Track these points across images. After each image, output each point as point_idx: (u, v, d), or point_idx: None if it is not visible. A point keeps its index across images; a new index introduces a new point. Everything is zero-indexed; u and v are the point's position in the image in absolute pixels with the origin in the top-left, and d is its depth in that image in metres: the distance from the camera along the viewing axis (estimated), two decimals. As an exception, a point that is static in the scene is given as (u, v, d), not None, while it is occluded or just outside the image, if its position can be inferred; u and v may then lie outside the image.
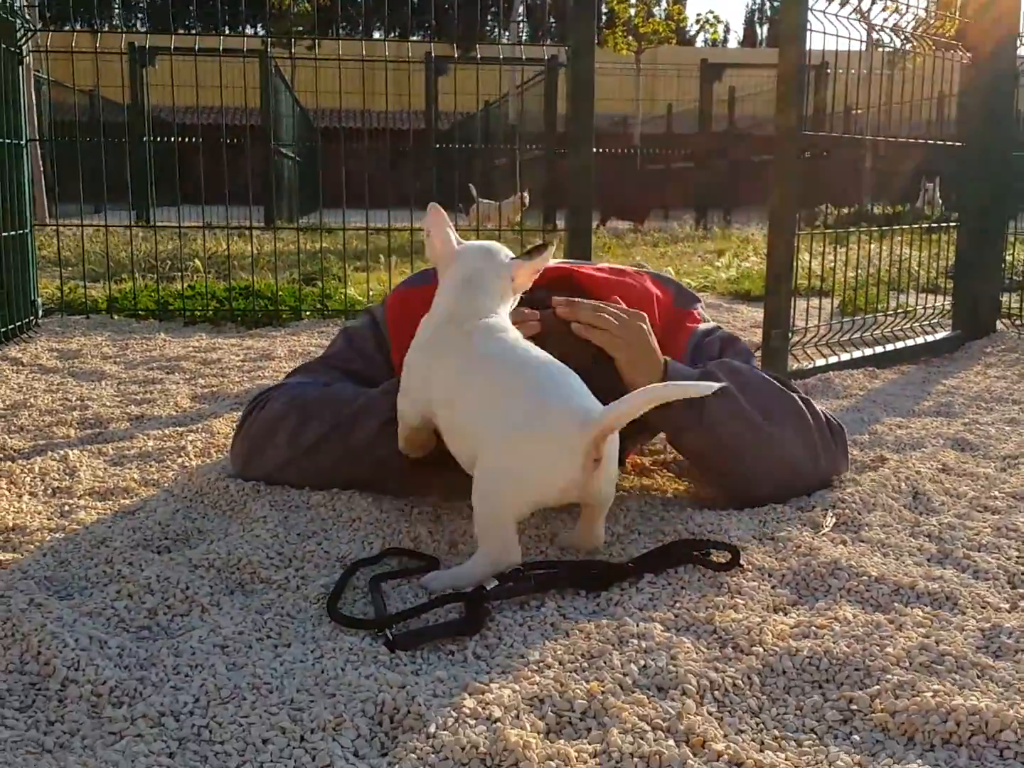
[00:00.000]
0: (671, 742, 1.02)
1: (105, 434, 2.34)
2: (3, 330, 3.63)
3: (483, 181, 13.13)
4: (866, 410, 2.83)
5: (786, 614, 1.36)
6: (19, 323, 3.71)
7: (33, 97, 8.72)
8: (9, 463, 2.05)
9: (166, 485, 1.94)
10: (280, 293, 4.25)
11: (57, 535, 1.63)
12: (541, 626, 1.30)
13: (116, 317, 4.12)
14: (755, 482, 1.80)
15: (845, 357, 3.59)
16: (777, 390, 1.82)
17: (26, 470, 1.99)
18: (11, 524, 1.68)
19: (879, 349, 3.72)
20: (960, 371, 3.52)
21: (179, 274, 5.17)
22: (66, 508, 1.78)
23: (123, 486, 1.93)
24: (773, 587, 1.44)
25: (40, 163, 11.05)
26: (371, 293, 4.58)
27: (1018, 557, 1.58)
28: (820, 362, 3.47)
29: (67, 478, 1.97)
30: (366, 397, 1.80)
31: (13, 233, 3.70)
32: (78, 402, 2.68)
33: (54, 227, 5.05)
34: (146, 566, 1.48)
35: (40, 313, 3.91)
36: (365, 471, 1.80)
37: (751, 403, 1.76)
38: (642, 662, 1.18)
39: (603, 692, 1.11)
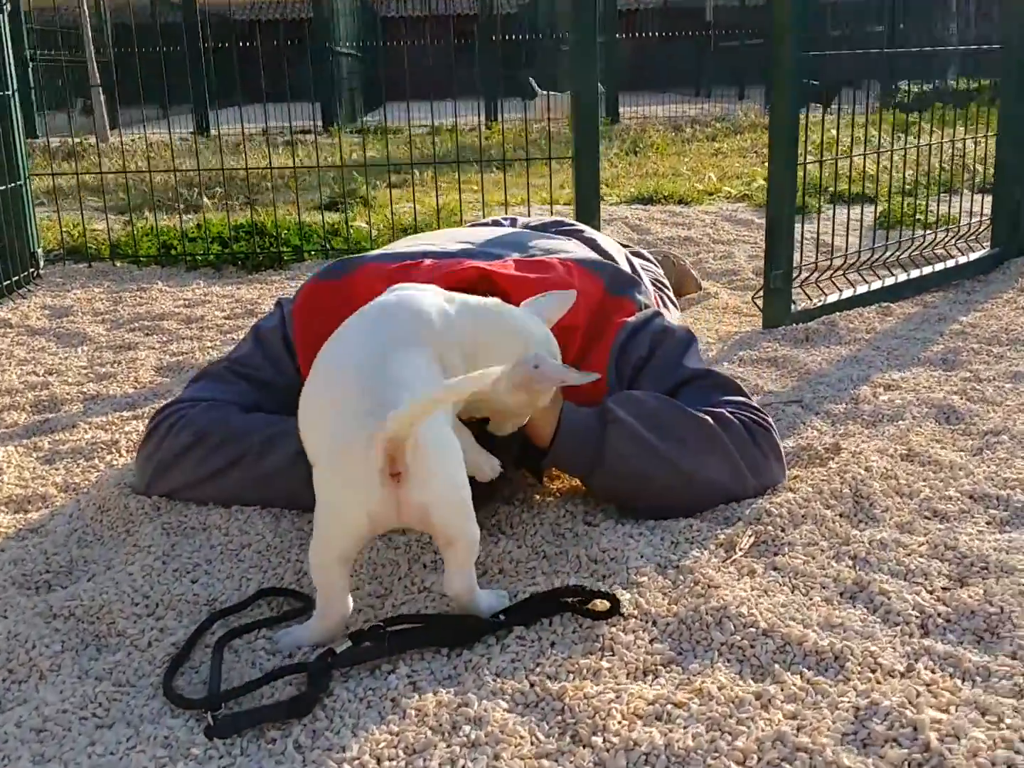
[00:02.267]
0: None
1: (52, 421, 2.30)
2: (5, 283, 3.63)
3: (545, 72, 12.72)
4: (864, 362, 2.66)
5: (651, 682, 1.25)
6: (16, 278, 3.68)
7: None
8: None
9: (83, 491, 1.89)
10: (284, 231, 4.14)
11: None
12: (382, 701, 1.22)
13: (119, 264, 4.07)
14: (683, 513, 1.69)
15: (862, 289, 3.37)
16: (686, 416, 1.70)
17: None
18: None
19: (901, 277, 3.49)
20: (986, 301, 3.29)
21: (201, 203, 5.10)
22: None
23: (42, 492, 1.89)
24: (652, 640, 1.34)
25: (98, 76, 11.05)
26: (393, 219, 4.43)
27: (943, 589, 1.45)
28: (832, 297, 3.27)
29: (-11, 483, 1.94)
30: (276, 428, 1.71)
31: (5, 188, 3.65)
32: (43, 377, 2.65)
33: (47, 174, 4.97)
34: (8, 613, 1.44)
35: (41, 264, 3.88)
36: (276, 498, 1.73)
37: (659, 435, 1.66)
38: (461, 763, 1.10)
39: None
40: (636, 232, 4.67)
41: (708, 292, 3.62)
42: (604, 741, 1.13)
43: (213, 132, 10.96)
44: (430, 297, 1.44)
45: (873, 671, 1.25)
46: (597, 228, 3.83)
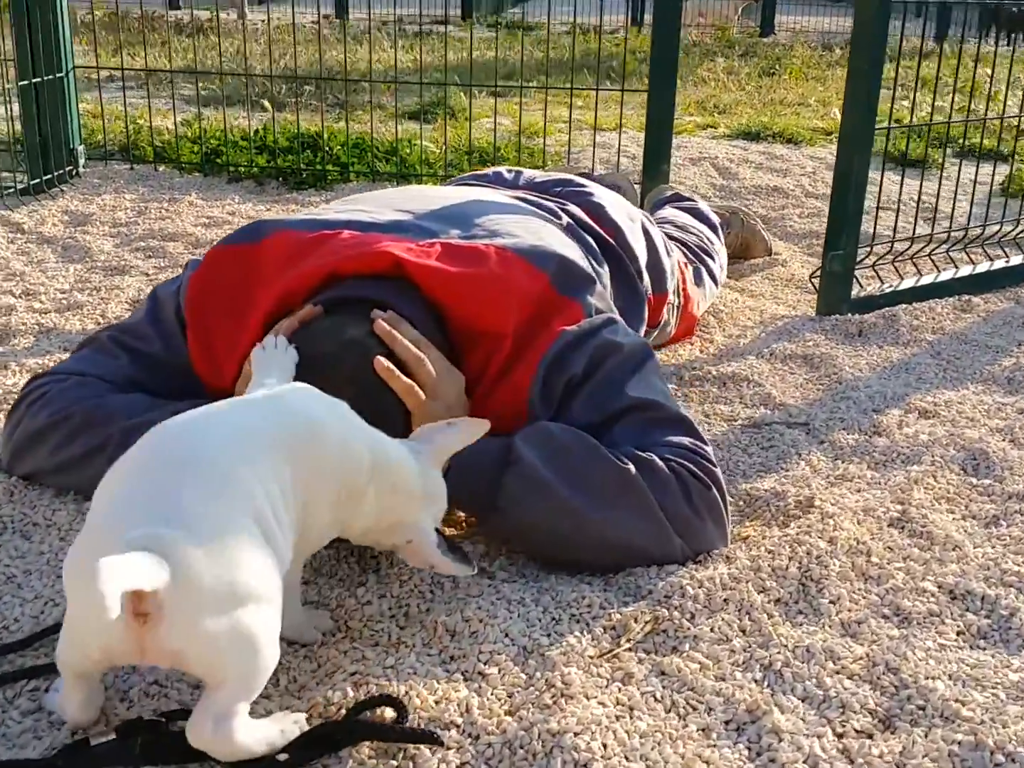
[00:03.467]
0: None
1: (-8, 356, 2.15)
2: (35, 182, 3.51)
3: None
4: (912, 372, 2.30)
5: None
6: (49, 176, 3.56)
7: None
8: None
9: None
10: (336, 145, 3.89)
11: None
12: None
13: (161, 168, 3.91)
14: (590, 570, 1.43)
15: (946, 275, 2.96)
16: (602, 461, 1.42)
17: None
18: None
19: (998, 264, 3.05)
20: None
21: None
22: None
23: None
24: (460, 765, 1.09)
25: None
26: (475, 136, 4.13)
27: (856, 733, 1.16)
28: (907, 283, 2.86)
29: None
30: (143, 416, 1.48)
31: (48, 78, 3.51)
32: (16, 299, 2.51)
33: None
34: None
35: (81, 163, 3.74)
36: None
37: (565, 481, 1.39)
38: None
39: None
40: (722, 176, 4.26)
41: (777, 258, 3.25)
42: None
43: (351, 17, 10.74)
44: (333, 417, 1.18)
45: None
46: (666, 169, 3.49)
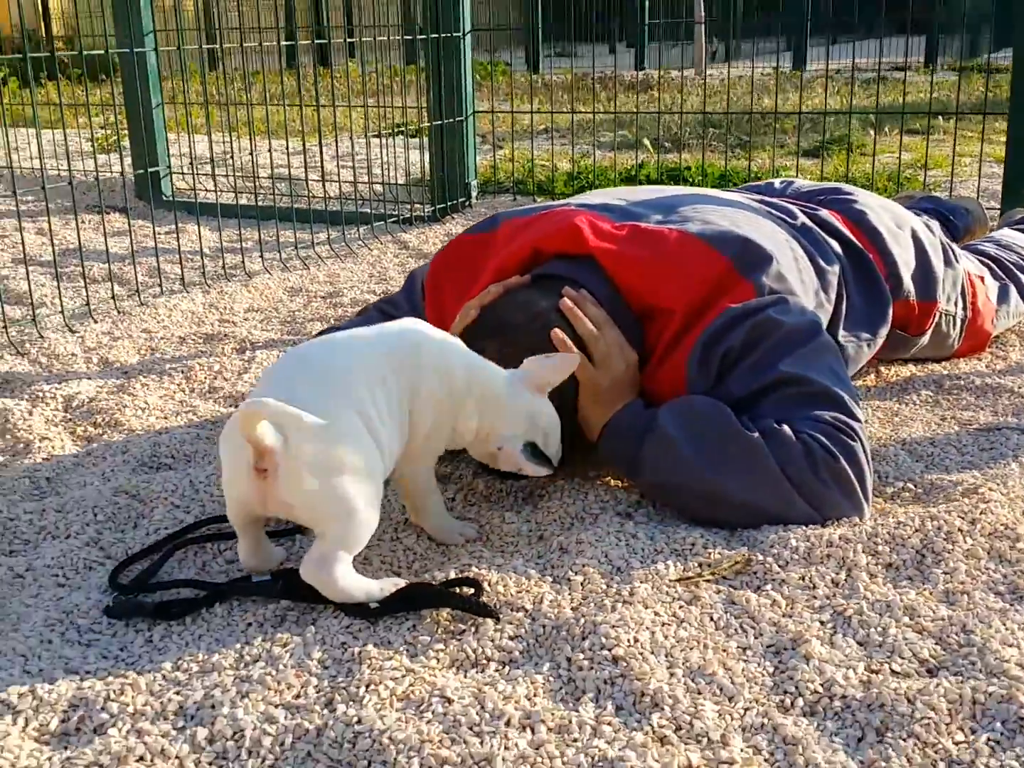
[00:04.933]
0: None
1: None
2: (429, 211, 4.10)
3: None
4: None
5: (462, 673, 1.23)
6: (443, 205, 4.14)
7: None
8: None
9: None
10: (700, 177, 4.12)
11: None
12: (239, 626, 1.35)
13: (540, 199, 4.36)
14: (720, 526, 1.57)
15: None
16: (733, 433, 1.55)
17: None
18: None
19: None
20: None
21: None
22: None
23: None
24: (511, 637, 1.30)
25: (702, 10, 11.44)
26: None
27: (891, 673, 1.20)
28: None
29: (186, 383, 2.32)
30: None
31: (451, 121, 4.10)
32: (377, 296, 3.02)
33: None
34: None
35: (473, 196, 4.29)
36: None
37: (697, 449, 1.55)
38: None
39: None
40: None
41: None
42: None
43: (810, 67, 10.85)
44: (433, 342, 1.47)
45: (699, 740, 1.11)
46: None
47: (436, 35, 4.00)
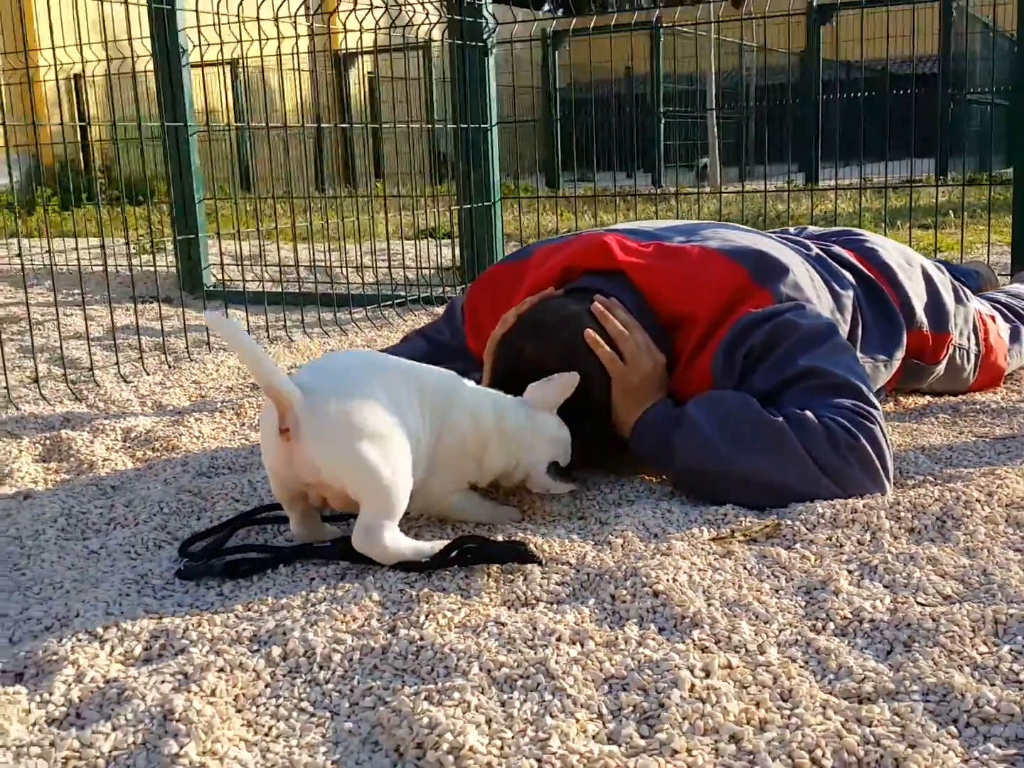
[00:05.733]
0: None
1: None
2: (461, 287, 4.28)
3: None
4: None
5: (513, 610, 1.32)
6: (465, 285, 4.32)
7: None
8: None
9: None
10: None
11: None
12: (301, 583, 1.45)
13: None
14: (747, 505, 1.66)
15: None
16: (758, 419, 1.65)
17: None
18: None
19: None
20: None
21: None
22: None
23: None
24: (559, 582, 1.39)
25: (715, 131, 11.89)
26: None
27: (916, 603, 1.28)
28: None
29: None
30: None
31: (480, 205, 4.32)
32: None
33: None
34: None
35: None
36: None
37: (725, 437, 1.65)
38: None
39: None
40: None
41: None
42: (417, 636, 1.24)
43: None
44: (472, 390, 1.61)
45: (737, 650, 1.19)
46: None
47: (465, 125, 4.24)
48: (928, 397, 2.44)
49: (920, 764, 0.96)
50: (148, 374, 2.92)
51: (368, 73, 14.25)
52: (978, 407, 2.32)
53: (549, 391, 1.63)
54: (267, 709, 1.12)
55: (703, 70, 11.74)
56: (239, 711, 1.12)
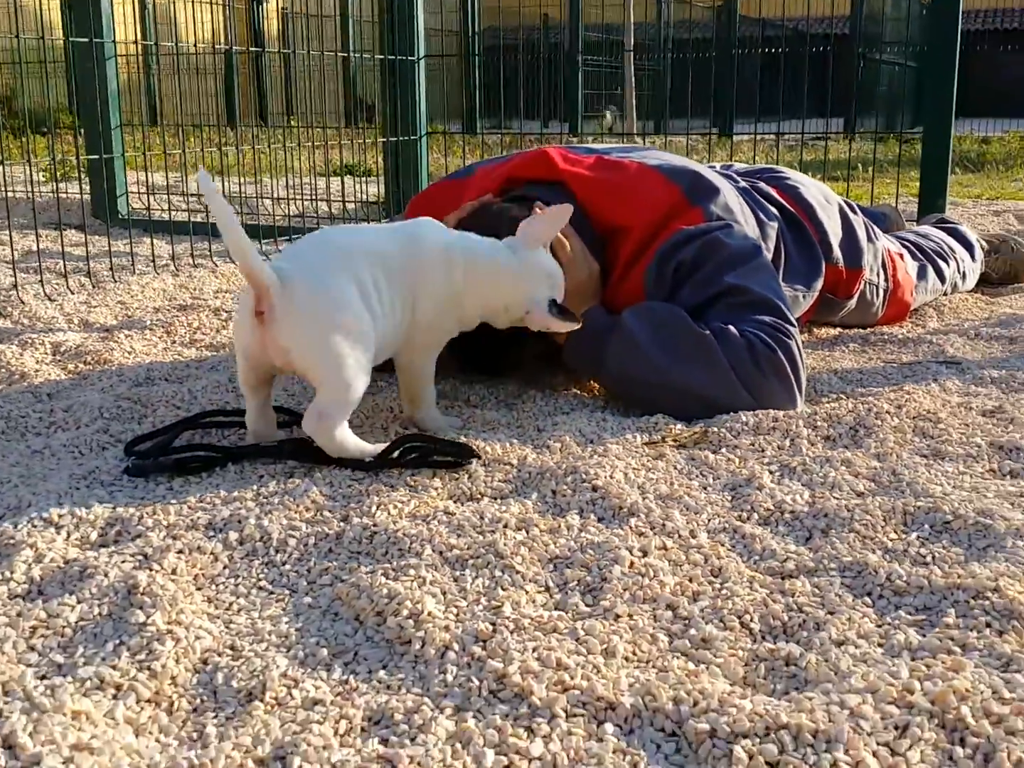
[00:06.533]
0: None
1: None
2: (386, 222, 4.29)
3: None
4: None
5: (458, 505, 1.39)
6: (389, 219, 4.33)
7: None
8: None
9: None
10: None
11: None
12: (251, 478, 1.50)
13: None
14: (669, 412, 1.74)
15: None
16: (687, 330, 1.74)
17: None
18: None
19: None
20: None
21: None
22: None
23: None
24: (501, 480, 1.46)
25: (633, 78, 11.94)
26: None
27: (832, 497, 1.39)
28: None
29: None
30: None
31: (407, 139, 4.32)
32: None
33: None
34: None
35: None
36: None
37: (656, 345, 1.73)
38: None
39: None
40: (1020, 223, 4.27)
41: (1048, 282, 3.28)
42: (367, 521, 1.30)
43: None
44: (436, 233, 1.63)
45: (671, 535, 1.28)
46: (942, 204, 3.66)
47: (393, 57, 4.23)
48: (839, 329, 2.56)
49: (838, 627, 1.05)
50: (72, 293, 2.89)
51: (282, 8, 13.95)
52: (886, 338, 2.45)
53: (540, 226, 1.66)
54: (227, 587, 1.17)
55: (622, 20, 11.79)
56: (199, 588, 1.17)
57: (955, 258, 2.96)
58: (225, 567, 1.21)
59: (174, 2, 5.75)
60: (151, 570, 1.17)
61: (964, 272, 2.99)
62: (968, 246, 3.11)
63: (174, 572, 1.18)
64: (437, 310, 1.59)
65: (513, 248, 1.64)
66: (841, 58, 11.87)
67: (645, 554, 1.20)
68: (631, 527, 1.29)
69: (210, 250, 3.55)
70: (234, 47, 6.67)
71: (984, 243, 3.22)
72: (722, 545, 1.25)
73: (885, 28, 14.14)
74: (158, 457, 1.53)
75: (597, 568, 1.17)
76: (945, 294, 2.91)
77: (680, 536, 1.27)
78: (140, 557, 1.20)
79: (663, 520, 1.30)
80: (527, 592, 1.12)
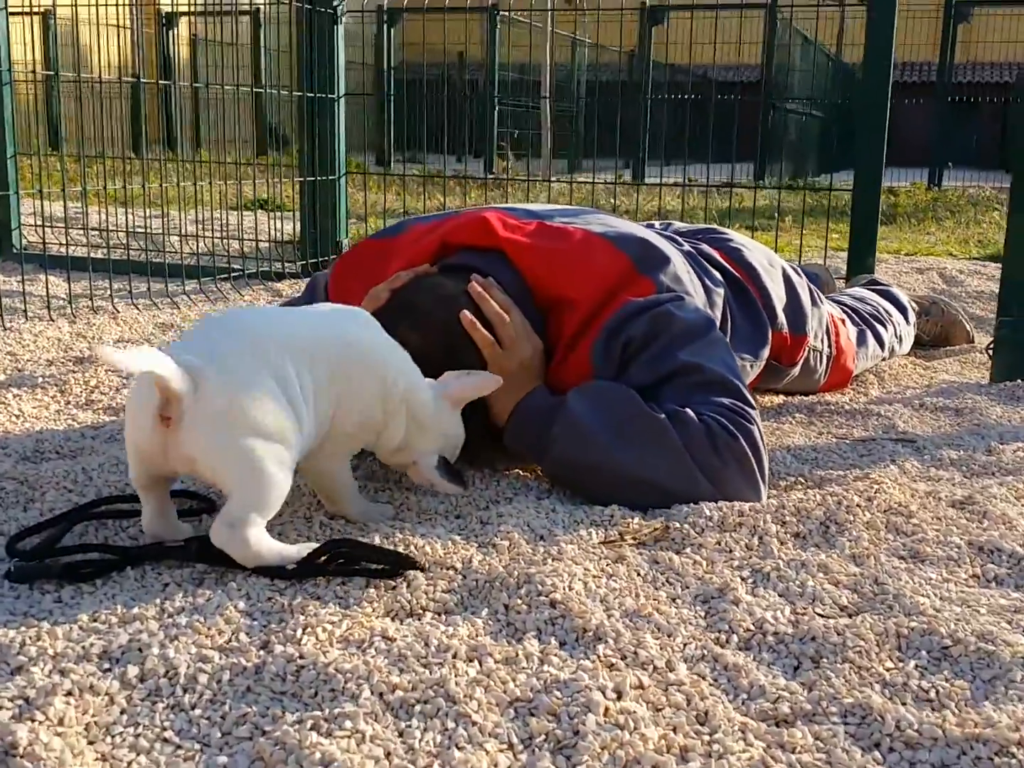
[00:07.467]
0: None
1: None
2: (302, 263, 4.10)
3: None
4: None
5: (399, 623, 1.21)
6: (315, 260, 4.14)
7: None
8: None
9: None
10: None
11: None
12: (142, 585, 1.30)
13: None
14: (621, 502, 1.58)
15: None
16: (639, 413, 1.60)
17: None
18: None
19: None
20: None
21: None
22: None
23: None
24: (444, 591, 1.28)
25: (548, 122, 11.90)
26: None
27: (816, 615, 1.24)
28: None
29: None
30: None
31: (325, 179, 4.13)
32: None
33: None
34: None
35: (343, 252, 4.31)
36: None
37: (605, 429, 1.58)
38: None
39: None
40: (945, 283, 4.28)
41: (976, 345, 3.24)
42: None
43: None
44: (376, 342, 1.46)
45: (645, 667, 1.12)
46: (871, 263, 3.61)
47: (312, 94, 4.05)
48: (782, 396, 2.45)
49: (851, 794, 0.91)
50: (-45, 343, 2.64)
51: (192, 35, 13.63)
52: (832, 408, 2.35)
53: (465, 386, 1.52)
54: (124, 740, 0.98)
55: (537, 61, 11.77)
56: (91, 743, 0.97)
57: (892, 322, 2.90)
58: (123, 712, 1.01)
59: (78, 24, 5.48)
60: (33, 720, 0.97)
61: (900, 336, 2.93)
62: (902, 309, 3.06)
63: (61, 722, 0.98)
64: (361, 423, 1.42)
65: (437, 397, 1.49)
66: (750, 106, 12.07)
67: (620, 696, 1.04)
68: (599, 656, 1.12)
69: (111, 290, 3.31)
70: (141, 78, 6.39)
71: (915, 305, 3.18)
72: (703, 679, 1.10)
73: (794, 78, 14.45)
74: (44, 559, 1.32)
75: (567, 716, 1.00)
76: (884, 359, 2.84)
77: (656, 668, 1.11)
78: (21, 702, 1.00)
79: (635, 647, 1.14)
80: (487, 752, 0.95)
